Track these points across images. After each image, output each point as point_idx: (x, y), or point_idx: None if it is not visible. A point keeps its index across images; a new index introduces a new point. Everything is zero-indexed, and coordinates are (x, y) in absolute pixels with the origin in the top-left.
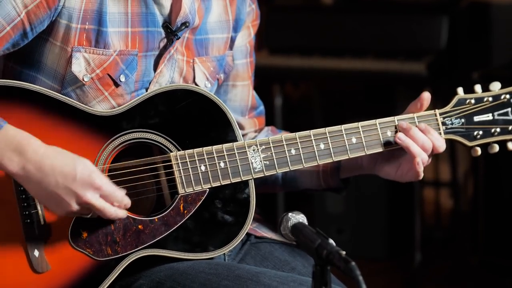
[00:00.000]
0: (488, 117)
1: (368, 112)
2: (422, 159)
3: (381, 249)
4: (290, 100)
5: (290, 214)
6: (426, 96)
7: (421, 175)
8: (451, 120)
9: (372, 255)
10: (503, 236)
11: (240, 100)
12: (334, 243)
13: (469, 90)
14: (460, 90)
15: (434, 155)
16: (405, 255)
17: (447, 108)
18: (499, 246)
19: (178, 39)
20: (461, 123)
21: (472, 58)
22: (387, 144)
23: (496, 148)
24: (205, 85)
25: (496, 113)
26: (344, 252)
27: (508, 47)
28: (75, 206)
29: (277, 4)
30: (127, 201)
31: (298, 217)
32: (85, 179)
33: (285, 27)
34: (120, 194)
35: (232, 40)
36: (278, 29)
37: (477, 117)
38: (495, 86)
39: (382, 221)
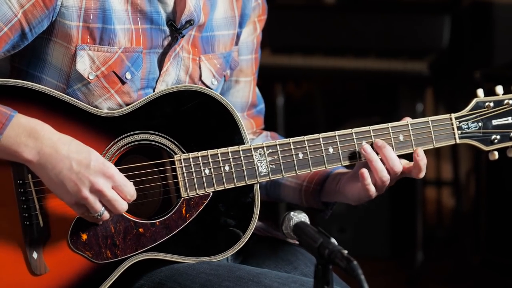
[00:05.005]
0: (507, 120)
1: (370, 112)
2: (382, 176)
3: (383, 248)
4: (292, 100)
5: (292, 213)
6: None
7: (371, 190)
8: (467, 124)
9: (374, 254)
10: (505, 235)
11: (241, 96)
12: (336, 242)
13: (472, 90)
14: (480, 92)
15: (436, 154)
16: (407, 254)
17: (464, 112)
18: (501, 246)
19: (182, 37)
20: (478, 127)
21: (474, 58)
22: (399, 148)
23: None
24: (211, 82)
25: None
26: (346, 251)
27: (510, 47)
28: (86, 193)
29: (279, 3)
30: (135, 197)
31: (300, 216)
32: (99, 167)
33: (287, 26)
34: (131, 187)
35: (238, 36)
36: (280, 28)
37: (496, 121)
38: None
39: (384, 220)
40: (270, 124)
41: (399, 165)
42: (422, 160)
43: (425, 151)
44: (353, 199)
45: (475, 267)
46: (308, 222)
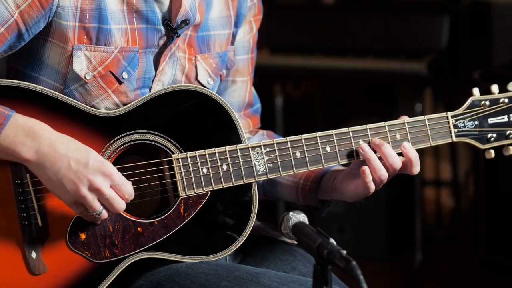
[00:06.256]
0: (503, 119)
1: (369, 112)
2: (380, 175)
3: (382, 249)
4: (291, 100)
5: (291, 213)
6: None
7: (371, 187)
8: (463, 122)
9: (373, 255)
10: (503, 235)
11: (238, 96)
12: (335, 243)
13: (479, 86)
14: (475, 91)
15: (435, 154)
16: (406, 255)
17: (460, 111)
18: (499, 246)
19: (178, 36)
20: (474, 126)
21: (472, 58)
22: (395, 146)
23: (511, 150)
24: (207, 82)
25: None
26: (345, 252)
27: (508, 47)
28: (85, 192)
29: (278, 3)
30: (133, 196)
31: (299, 217)
32: (97, 165)
33: (286, 26)
34: (130, 187)
35: (234, 36)
36: (279, 28)
37: (492, 119)
38: None
39: (383, 221)
40: (269, 124)
41: (399, 161)
42: (409, 152)
43: (424, 151)
44: (349, 196)
45: (474, 267)
46: (307, 222)
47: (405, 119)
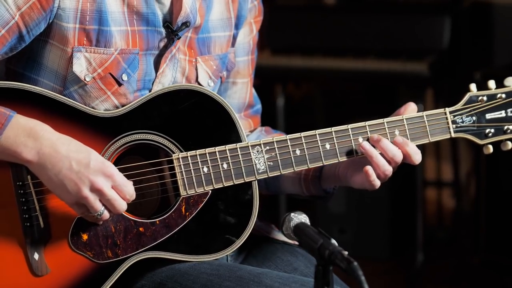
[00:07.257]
0: (500, 114)
1: (369, 112)
2: (384, 170)
3: (383, 249)
4: (292, 100)
5: (292, 214)
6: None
7: (376, 185)
8: (461, 118)
9: (374, 255)
10: (504, 235)
11: (238, 97)
12: (336, 243)
13: (480, 87)
14: (473, 86)
15: (436, 155)
16: (407, 255)
17: (458, 106)
18: (500, 246)
19: (178, 38)
20: (472, 121)
21: (474, 58)
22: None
23: (509, 145)
24: (208, 84)
25: (509, 110)
26: (346, 252)
27: (509, 47)
28: (86, 192)
29: (279, 4)
30: (134, 197)
31: (300, 217)
32: (98, 166)
33: (287, 27)
34: (131, 187)
35: (234, 37)
36: (280, 29)
37: (489, 114)
38: (510, 82)
39: (384, 221)
40: (270, 125)
41: (399, 154)
42: (404, 145)
43: (425, 151)
44: (355, 186)
45: (475, 267)
46: (308, 223)
47: (403, 115)
